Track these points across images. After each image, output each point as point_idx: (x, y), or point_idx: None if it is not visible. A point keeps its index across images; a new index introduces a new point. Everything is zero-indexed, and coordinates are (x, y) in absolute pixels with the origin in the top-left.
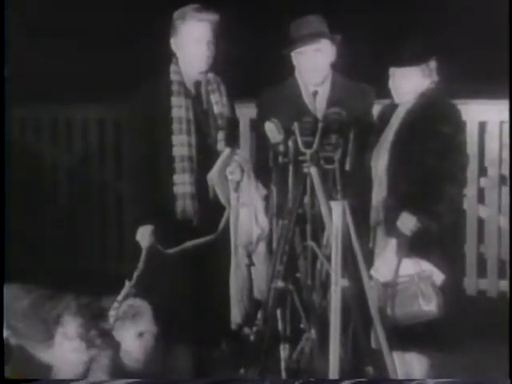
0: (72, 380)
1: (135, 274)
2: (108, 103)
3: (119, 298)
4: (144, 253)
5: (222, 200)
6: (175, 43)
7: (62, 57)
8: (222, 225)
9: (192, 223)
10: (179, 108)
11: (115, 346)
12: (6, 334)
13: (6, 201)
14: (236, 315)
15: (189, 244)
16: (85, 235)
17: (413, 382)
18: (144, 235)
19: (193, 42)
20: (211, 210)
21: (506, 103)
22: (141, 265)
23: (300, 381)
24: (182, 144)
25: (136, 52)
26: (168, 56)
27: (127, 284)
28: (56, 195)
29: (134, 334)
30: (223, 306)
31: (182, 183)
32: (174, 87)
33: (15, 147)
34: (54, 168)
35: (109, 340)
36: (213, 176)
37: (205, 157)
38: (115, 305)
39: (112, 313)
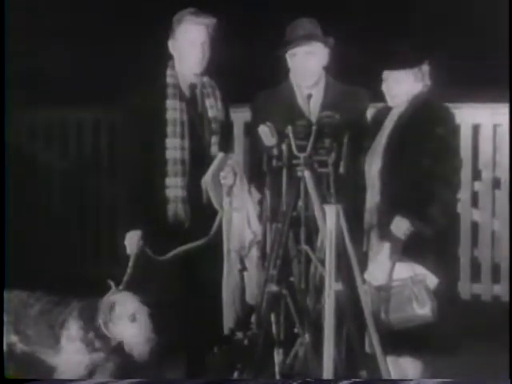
0: (74, 380)
1: (124, 279)
2: (103, 105)
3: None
4: (132, 259)
5: (215, 204)
6: (172, 45)
7: (59, 59)
8: (214, 229)
9: (184, 226)
10: (174, 110)
11: (116, 349)
12: (14, 339)
13: (5, 202)
14: (229, 320)
15: (180, 249)
16: (79, 238)
17: (410, 382)
18: (132, 240)
19: (188, 45)
20: (203, 213)
21: (499, 106)
22: (129, 270)
23: (299, 380)
24: (175, 147)
25: (132, 54)
26: (164, 59)
27: (114, 288)
28: (51, 198)
29: (127, 321)
30: (216, 311)
31: (175, 186)
32: (170, 90)
33: (14, 150)
34: (49, 171)
35: (108, 343)
36: (207, 180)
37: (198, 160)
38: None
39: (99, 321)
